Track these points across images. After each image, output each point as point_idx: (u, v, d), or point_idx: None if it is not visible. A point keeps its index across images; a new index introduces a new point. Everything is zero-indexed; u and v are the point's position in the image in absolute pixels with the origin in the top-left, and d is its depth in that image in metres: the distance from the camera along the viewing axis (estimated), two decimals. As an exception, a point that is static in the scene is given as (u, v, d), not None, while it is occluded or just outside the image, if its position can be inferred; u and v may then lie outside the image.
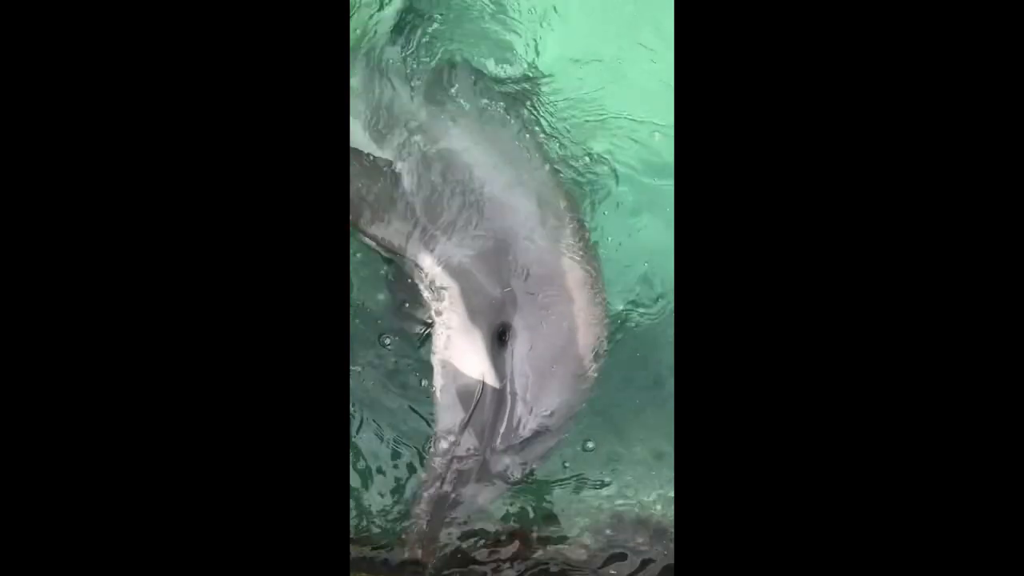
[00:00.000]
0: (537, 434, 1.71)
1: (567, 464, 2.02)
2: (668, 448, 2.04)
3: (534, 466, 1.78)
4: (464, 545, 1.91)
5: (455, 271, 1.77)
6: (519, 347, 1.70)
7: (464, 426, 1.70)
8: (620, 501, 2.07)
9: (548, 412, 1.71)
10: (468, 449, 1.70)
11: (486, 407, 1.70)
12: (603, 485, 2.07)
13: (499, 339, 1.71)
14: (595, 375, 1.80)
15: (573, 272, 1.79)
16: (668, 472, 2.06)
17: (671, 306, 2.13)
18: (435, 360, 1.78)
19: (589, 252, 1.88)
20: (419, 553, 1.72)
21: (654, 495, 2.07)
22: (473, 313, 1.74)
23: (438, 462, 1.69)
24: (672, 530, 1.99)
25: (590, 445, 2.06)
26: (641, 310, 2.16)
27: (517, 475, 1.75)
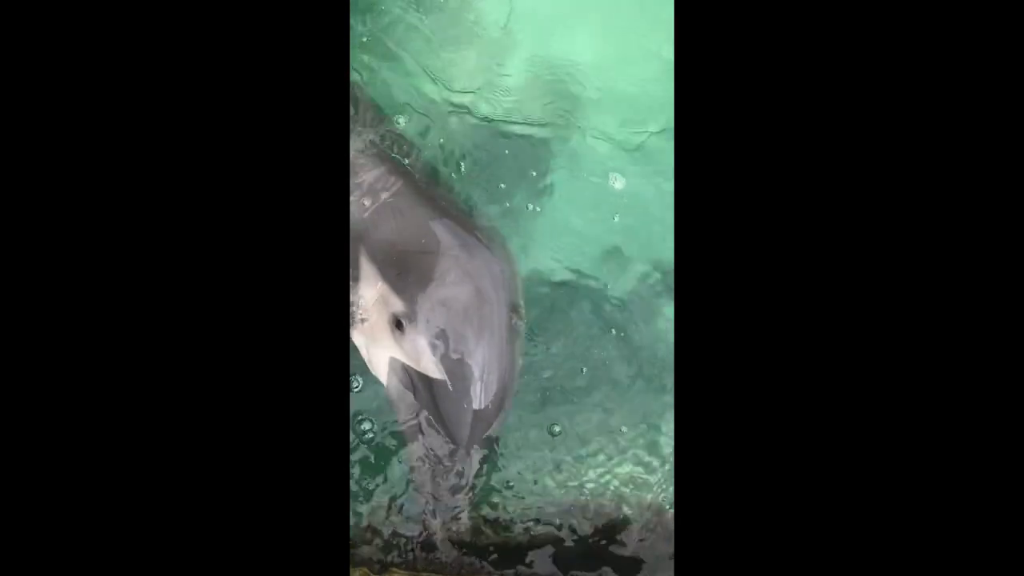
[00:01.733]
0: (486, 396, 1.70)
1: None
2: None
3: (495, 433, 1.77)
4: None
5: None
6: (420, 327, 1.68)
7: (417, 416, 1.71)
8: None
9: (478, 366, 1.68)
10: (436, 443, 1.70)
11: (420, 392, 1.70)
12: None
13: (399, 329, 1.70)
14: (520, 323, 1.79)
15: (443, 235, 1.77)
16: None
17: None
18: (378, 377, 1.80)
19: (460, 210, 1.88)
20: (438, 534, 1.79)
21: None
22: (363, 326, 1.75)
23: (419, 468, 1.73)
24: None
25: (556, 429, 2.05)
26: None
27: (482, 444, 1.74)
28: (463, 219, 1.87)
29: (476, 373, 1.67)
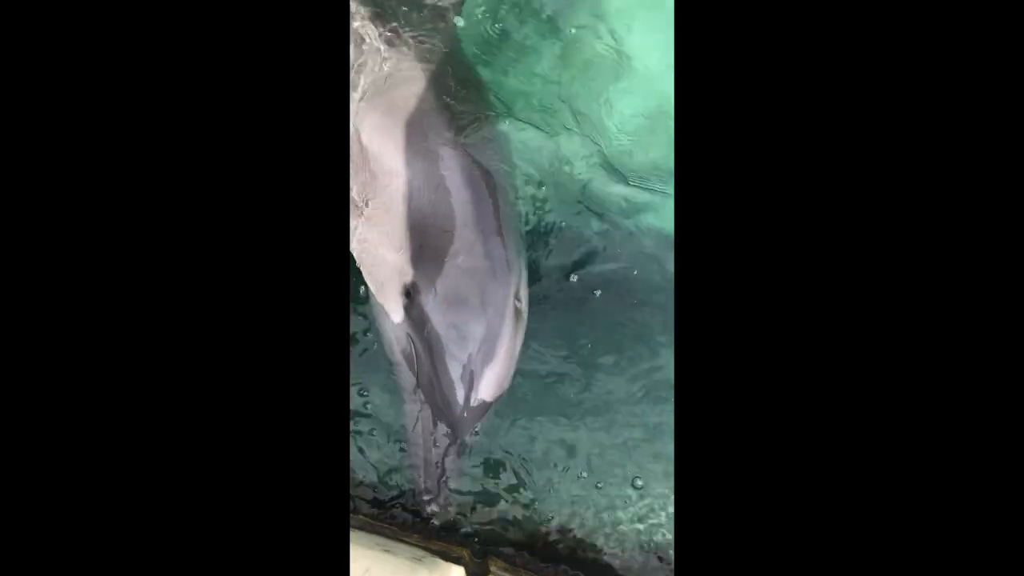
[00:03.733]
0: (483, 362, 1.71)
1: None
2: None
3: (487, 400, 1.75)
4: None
5: (364, 251, 1.85)
6: (426, 296, 1.73)
7: (416, 387, 1.78)
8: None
9: (477, 341, 1.70)
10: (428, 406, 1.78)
11: (422, 358, 1.74)
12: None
13: (408, 298, 1.76)
14: (521, 304, 1.79)
15: (458, 207, 1.80)
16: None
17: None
18: (384, 345, 1.88)
19: (472, 178, 1.87)
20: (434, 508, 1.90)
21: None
22: (381, 286, 1.82)
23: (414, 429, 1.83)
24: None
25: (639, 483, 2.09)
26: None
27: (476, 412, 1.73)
28: (487, 206, 1.88)
29: (474, 346, 1.69)
